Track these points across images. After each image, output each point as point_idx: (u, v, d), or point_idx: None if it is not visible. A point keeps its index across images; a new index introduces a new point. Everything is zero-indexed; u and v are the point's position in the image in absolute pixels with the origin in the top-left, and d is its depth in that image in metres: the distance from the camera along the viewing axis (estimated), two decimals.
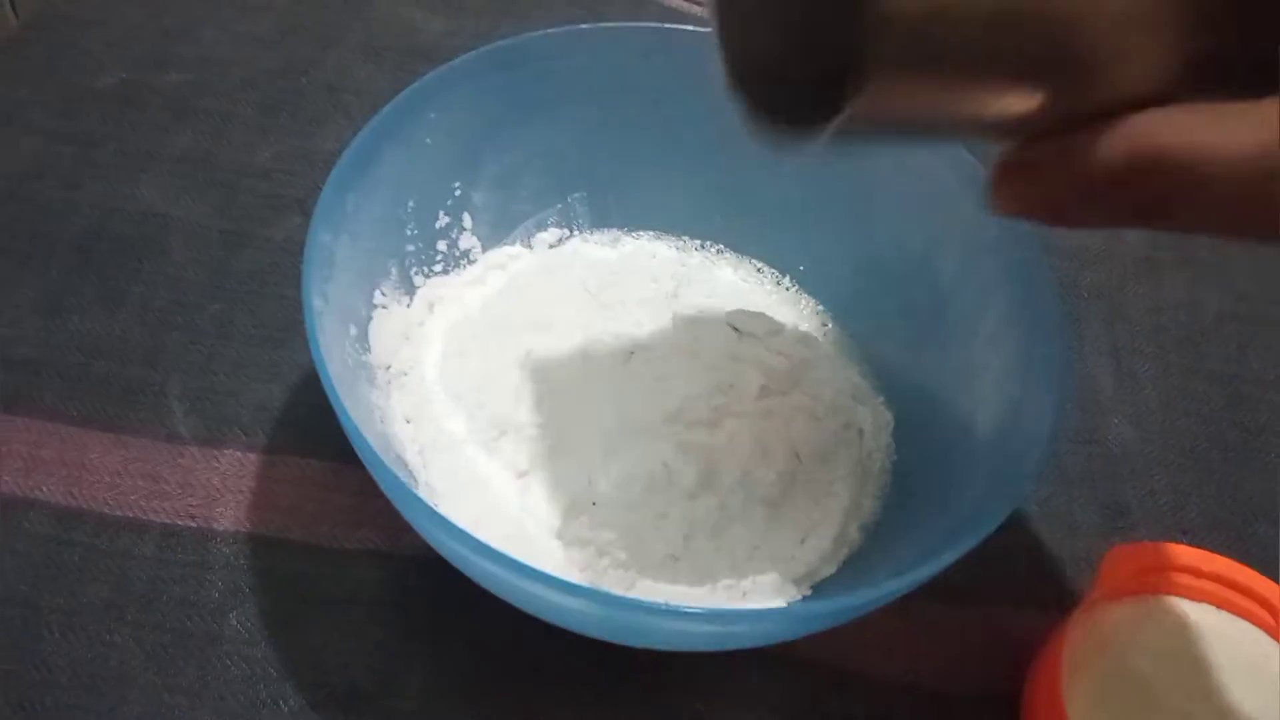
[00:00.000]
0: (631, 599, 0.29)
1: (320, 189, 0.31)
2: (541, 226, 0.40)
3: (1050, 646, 0.32)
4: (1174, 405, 0.41)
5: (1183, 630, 0.32)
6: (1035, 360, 0.32)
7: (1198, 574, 0.33)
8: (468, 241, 0.39)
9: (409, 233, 0.36)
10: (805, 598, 0.33)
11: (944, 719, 0.33)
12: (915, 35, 0.17)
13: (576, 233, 0.41)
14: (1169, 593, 0.33)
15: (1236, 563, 0.33)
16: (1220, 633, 0.32)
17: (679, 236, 0.41)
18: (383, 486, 0.27)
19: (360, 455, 0.27)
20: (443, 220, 0.38)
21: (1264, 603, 0.32)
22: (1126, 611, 0.32)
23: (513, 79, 0.37)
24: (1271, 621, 0.32)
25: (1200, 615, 0.32)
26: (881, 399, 0.37)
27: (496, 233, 0.39)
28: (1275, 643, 0.32)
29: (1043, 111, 0.19)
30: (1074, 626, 0.31)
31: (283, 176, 0.44)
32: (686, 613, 0.27)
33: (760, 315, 0.37)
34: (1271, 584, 0.32)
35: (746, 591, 0.32)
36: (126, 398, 0.37)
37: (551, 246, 0.40)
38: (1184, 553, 0.33)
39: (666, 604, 0.31)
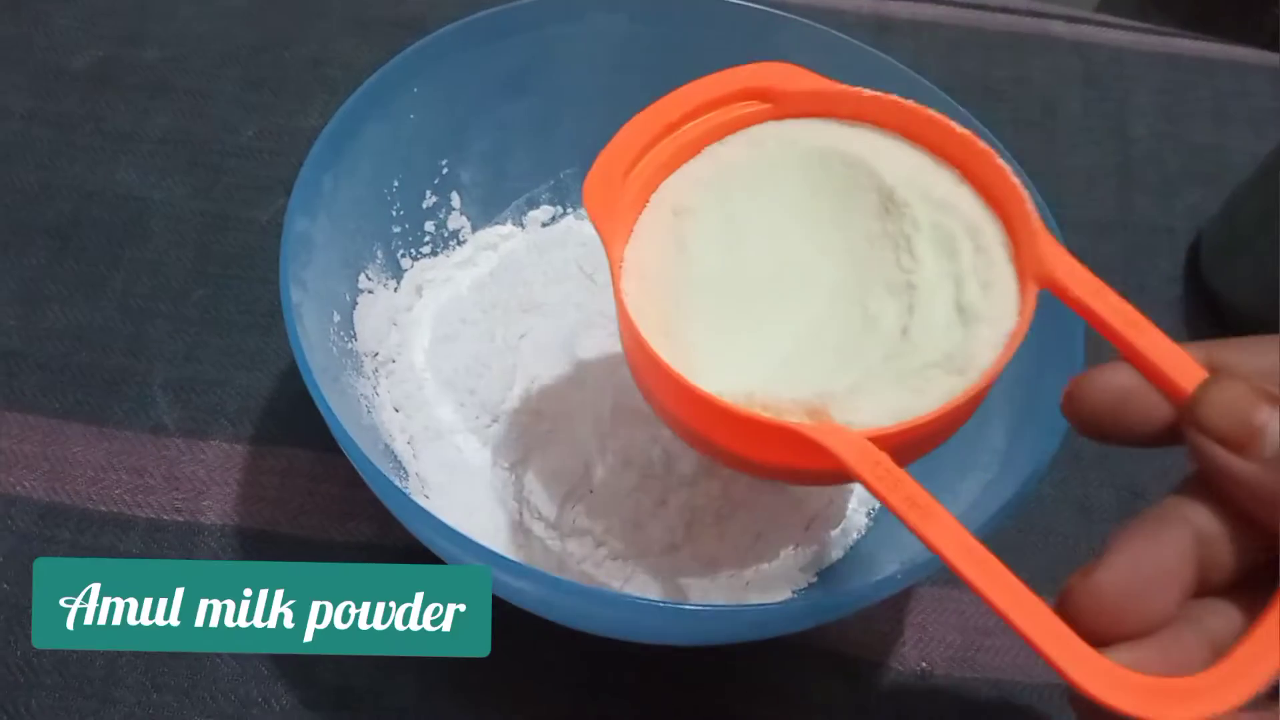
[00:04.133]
0: (629, 597, 0.28)
1: None
2: (533, 204, 0.39)
3: None
4: None
5: None
6: (1050, 337, 0.30)
7: None
8: (456, 221, 0.37)
9: (394, 213, 0.35)
10: (811, 585, 0.32)
11: (960, 707, 0.32)
12: None
13: (570, 210, 0.39)
14: None
15: None
16: None
17: None
18: (369, 482, 0.26)
19: (345, 450, 0.26)
20: (430, 199, 0.36)
21: None
22: None
23: (501, 50, 0.35)
24: None
25: None
26: None
27: (487, 211, 0.38)
28: None
29: None
30: None
31: (266, 156, 0.42)
32: (687, 611, 0.26)
33: None
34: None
35: (750, 580, 0.31)
36: (109, 389, 0.36)
37: (544, 225, 0.39)
38: None
39: (665, 602, 0.30)
